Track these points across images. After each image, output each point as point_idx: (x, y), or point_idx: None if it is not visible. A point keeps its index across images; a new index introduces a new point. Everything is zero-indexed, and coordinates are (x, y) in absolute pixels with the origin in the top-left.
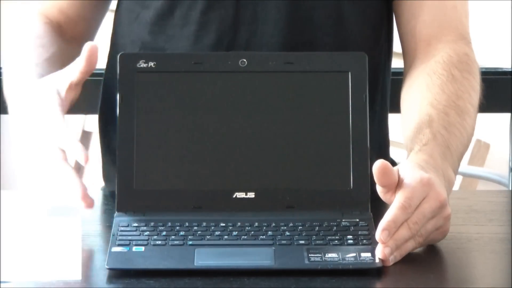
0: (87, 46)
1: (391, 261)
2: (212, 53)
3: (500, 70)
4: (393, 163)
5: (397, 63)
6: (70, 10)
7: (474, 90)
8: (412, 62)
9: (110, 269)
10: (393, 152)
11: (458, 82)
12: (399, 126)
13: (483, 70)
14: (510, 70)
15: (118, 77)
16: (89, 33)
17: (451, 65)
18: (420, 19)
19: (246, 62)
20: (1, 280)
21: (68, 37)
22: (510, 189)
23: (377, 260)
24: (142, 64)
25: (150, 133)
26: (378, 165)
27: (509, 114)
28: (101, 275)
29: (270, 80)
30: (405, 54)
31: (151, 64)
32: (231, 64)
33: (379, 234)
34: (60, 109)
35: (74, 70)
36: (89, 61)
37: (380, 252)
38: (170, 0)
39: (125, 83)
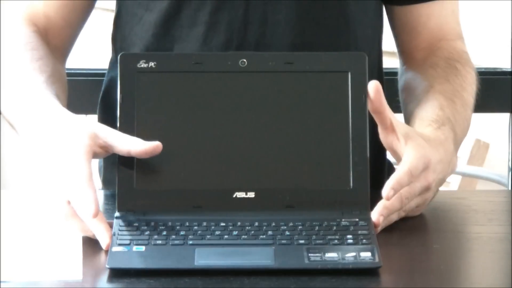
0: (154, 144)
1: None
2: (212, 53)
3: (500, 70)
4: (390, 166)
5: (392, 63)
6: (57, 15)
7: (474, 85)
8: (413, 59)
9: (110, 268)
10: None
11: (462, 75)
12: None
13: (483, 70)
14: (510, 70)
15: (118, 77)
16: (70, 41)
17: (453, 60)
18: (424, 23)
19: (246, 62)
20: (1, 280)
21: (52, 47)
22: (510, 189)
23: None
24: (142, 64)
25: (150, 133)
26: (373, 84)
27: (508, 114)
28: (101, 275)
29: (270, 80)
30: (403, 54)
31: (151, 64)
32: (231, 64)
33: (387, 191)
34: (87, 158)
35: (123, 145)
36: (146, 154)
37: (375, 217)
38: (176, 1)
39: (125, 83)
